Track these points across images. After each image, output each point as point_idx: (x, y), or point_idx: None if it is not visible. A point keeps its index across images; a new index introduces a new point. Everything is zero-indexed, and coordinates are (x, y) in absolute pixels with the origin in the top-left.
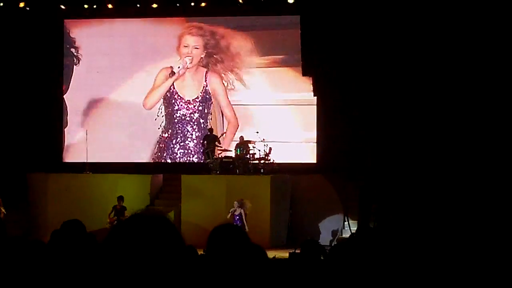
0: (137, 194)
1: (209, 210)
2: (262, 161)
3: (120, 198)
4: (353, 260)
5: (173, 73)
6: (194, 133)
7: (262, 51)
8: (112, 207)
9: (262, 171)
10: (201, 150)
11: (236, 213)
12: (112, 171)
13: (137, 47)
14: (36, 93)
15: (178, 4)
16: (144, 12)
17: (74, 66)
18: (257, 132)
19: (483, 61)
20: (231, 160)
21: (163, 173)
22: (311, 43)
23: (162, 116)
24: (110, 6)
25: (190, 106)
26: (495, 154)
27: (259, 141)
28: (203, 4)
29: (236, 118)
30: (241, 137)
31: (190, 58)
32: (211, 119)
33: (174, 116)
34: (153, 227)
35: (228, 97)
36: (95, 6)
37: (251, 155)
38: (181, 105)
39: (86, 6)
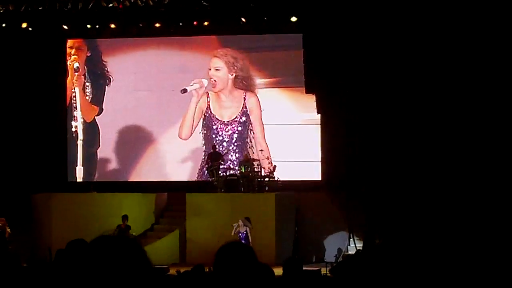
0: (141, 213)
1: (214, 228)
2: (266, 179)
3: (125, 217)
4: (358, 276)
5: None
6: (234, 154)
7: (266, 71)
8: (117, 226)
9: (267, 188)
10: (205, 168)
11: (242, 230)
12: (117, 190)
13: (162, 67)
14: (40, 112)
15: (181, 24)
16: (147, 32)
17: (106, 87)
18: (261, 150)
19: (485, 78)
20: (236, 178)
21: (168, 191)
22: (314, 61)
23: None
24: (112, 26)
25: (228, 128)
26: (503, 164)
27: (263, 159)
28: (205, 23)
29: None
30: (246, 155)
31: (213, 80)
32: (250, 140)
33: (213, 138)
34: (117, 249)
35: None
36: (97, 26)
37: (255, 173)
38: (220, 127)
39: (89, 26)
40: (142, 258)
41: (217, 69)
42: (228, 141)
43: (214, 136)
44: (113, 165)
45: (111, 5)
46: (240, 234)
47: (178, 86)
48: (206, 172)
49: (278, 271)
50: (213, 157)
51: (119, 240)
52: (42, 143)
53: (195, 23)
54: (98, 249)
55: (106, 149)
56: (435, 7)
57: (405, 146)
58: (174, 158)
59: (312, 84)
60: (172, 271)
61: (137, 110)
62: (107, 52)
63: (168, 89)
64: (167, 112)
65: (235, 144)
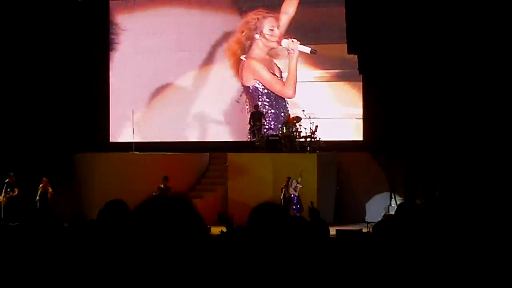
0: (183, 173)
1: (256, 188)
2: (308, 139)
3: (165, 179)
4: (395, 237)
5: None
6: (271, 113)
7: (306, 28)
8: (157, 188)
9: (308, 149)
10: (248, 129)
11: (293, 191)
12: (158, 150)
13: (183, 27)
14: (83, 73)
15: None
16: None
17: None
18: (303, 110)
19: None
20: (278, 138)
21: (209, 152)
22: (356, 20)
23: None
24: None
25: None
26: None
27: (305, 119)
28: None
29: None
30: (288, 115)
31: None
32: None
33: (251, 97)
34: (172, 209)
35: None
36: None
37: (297, 133)
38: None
39: None
40: (195, 217)
41: (271, 29)
42: (262, 99)
43: (250, 94)
44: (153, 124)
45: None
46: (292, 196)
47: (220, 47)
48: (248, 132)
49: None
50: (255, 117)
51: (172, 200)
52: (85, 102)
53: None
54: (151, 209)
55: (146, 109)
56: None
57: (448, 106)
58: (215, 119)
59: (354, 43)
60: (214, 231)
61: (177, 71)
62: (145, 10)
63: (207, 50)
64: (209, 73)
65: (268, 101)
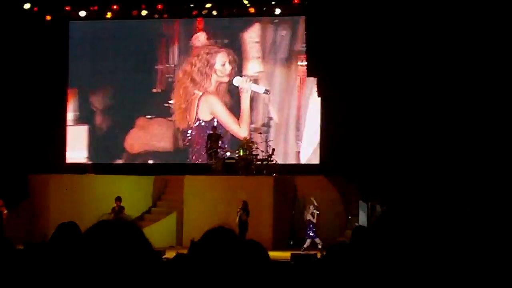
0: (139, 196)
1: (212, 211)
2: (265, 162)
3: (118, 199)
4: (348, 262)
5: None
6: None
7: (266, 51)
8: (112, 209)
9: (264, 172)
10: (205, 151)
11: (310, 216)
12: (115, 172)
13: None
14: (40, 93)
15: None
16: (150, 13)
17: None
18: (260, 133)
19: (486, 61)
20: (234, 161)
21: (166, 174)
22: (316, 44)
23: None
24: (115, 7)
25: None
26: (499, 157)
27: (262, 142)
28: (207, 5)
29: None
30: (245, 138)
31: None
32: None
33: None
34: (120, 234)
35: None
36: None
37: (254, 156)
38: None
39: (91, 8)
40: (141, 241)
41: (223, 65)
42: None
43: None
44: (109, 146)
45: None
46: (309, 220)
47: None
48: (206, 154)
49: (274, 255)
50: (213, 139)
51: (117, 224)
52: (41, 123)
53: None
54: (96, 235)
55: (103, 131)
56: None
57: (406, 131)
58: (172, 141)
59: (313, 66)
60: (169, 255)
61: (134, 93)
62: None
63: (161, 75)
64: (163, 96)
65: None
